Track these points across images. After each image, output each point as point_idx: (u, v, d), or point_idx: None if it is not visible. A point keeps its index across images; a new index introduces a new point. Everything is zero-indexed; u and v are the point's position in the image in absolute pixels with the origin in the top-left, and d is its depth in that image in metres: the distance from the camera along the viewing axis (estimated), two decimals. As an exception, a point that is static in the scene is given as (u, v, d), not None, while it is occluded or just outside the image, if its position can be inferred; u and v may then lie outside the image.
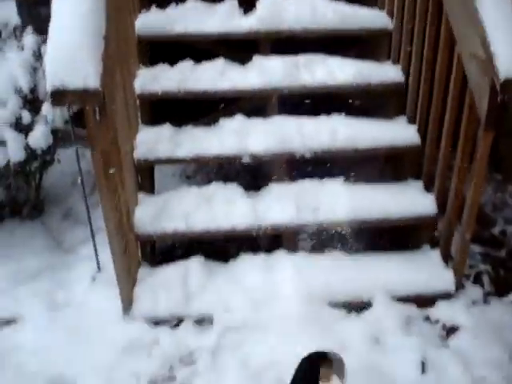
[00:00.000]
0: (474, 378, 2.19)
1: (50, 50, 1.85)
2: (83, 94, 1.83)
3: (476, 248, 2.89)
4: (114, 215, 2.21)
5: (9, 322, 2.57)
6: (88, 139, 1.98)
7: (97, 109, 1.91)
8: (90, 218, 2.70)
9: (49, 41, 1.87)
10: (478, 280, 2.70)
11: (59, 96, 1.82)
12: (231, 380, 2.21)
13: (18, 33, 3.12)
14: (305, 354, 1.80)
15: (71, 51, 1.84)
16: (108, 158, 2.06)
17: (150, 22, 3.10)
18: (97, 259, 2.74)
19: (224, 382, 2.21)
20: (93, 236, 2.69)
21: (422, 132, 2.79)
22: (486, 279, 2.70)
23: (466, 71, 2.19)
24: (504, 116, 2.45)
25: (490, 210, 3.20)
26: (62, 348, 2.39)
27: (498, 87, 1.91)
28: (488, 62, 1.94)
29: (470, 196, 2.29)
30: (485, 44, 1.95)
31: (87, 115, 1.92)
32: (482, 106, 2.05)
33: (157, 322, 2.44)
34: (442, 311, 2.49)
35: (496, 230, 3.04)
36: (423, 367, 2.23)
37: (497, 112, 2.01)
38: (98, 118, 1.92)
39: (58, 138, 3.09)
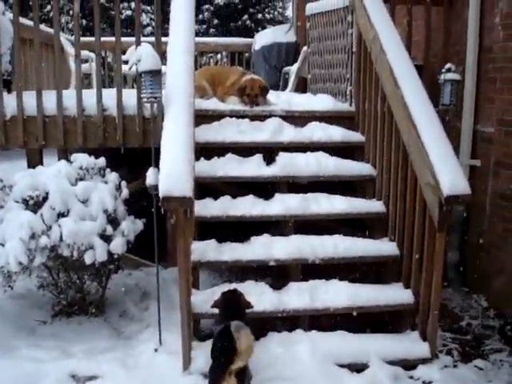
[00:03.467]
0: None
1: (163, 174, 2.96)
2: (182, 200, 2.91)
3: (448, 334, 3.85)
4: (187, 289, 3.15)
5: (92, 377, 3.37)
6: (179, 229, 3.01)
7: (188, 210, 2.97)
8: (159, 300, 3.59)
9: (161, 168, 2.99)
10: (449, 353, 3.62)
11: (168, 200, 2.90)
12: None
13: (102, 171, 4.27)
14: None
15: (177, 175, 2.97)
16: (187, 244, 3.07)
17: (200, 168, 4.24)
18: (159, 335, 3.59)
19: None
20: (159, 311, 3.58)
21: (400, 246, 3.83)
22: (455, 352, 3.64)
23: (424, 195, 3.31)
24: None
25: (458, 310, 4.20)
26: (138, 394, 3.17)
27: (443, 201, 3.02)
28: (436, 186, 3.08)
29: (435, 282, 3.29)
30: (434, 176, 3.11)
31: (181, 214, 2.98)
32: (435, 216, 3.15)
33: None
34: (422, 372, 3.36)
35: (464, 323, 4.03)
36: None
37: (445, 218, 3.09)
38: (188, 215, 2.97)
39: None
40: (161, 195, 2.90)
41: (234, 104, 4.82)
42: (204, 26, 15.46)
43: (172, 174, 2.96)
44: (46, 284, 4.17)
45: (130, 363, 3.48)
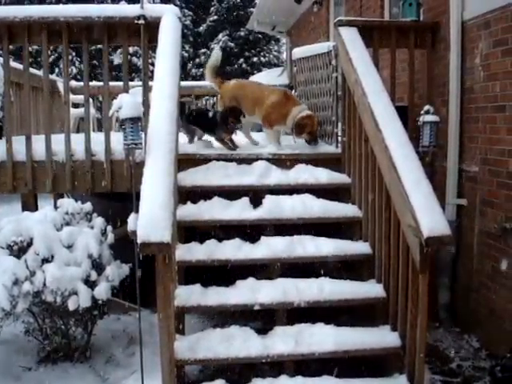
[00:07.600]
0: None
1: (141, 220, 2.96)
2: (160, 246, 2.90)
3: (437, 377, 3.81)
4: (167, 335, 3.11)
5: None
6: (157, 275, 3.00)
7: (166, 255, 2.96)
8: (141, 346, 3.54)
9: (140, 214, 2.99)
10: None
11: (146, 246, 2.89)
12: None
13: (88, 216, 4.28)
14: None
15: (155, 221, 2.96)
16: (167, 289, 3.05)
17: (186, 212, 4.25)
18: (142, 381, 3.53)
19: None
20: (141, 358, 3.52)
21: (387, 288, 3.80)
22: (443, 396, 3.55)
23: (406, 236, 3.30)
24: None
25: (449, 352, 4.14)
26: None
27: (423, 243, 3.01)
28: (417, 228, 3.07)
29: (419, 324, 3.24)
30: (415, 218, 3.11)
31: (160, 260, 2.97)
32: (417, 257, 3.13)
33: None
34: (408, 417, 3.27)
35: (454, 365, 3.97)
36: None
37: (426, 260, 3.07)
38: (166, 261, 2.96)
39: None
40: (138, 241, 2.89)
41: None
42: (201, 70, 15.72)
43: (149, 220, 2.96)
44: (32, 329, 4.14)
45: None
